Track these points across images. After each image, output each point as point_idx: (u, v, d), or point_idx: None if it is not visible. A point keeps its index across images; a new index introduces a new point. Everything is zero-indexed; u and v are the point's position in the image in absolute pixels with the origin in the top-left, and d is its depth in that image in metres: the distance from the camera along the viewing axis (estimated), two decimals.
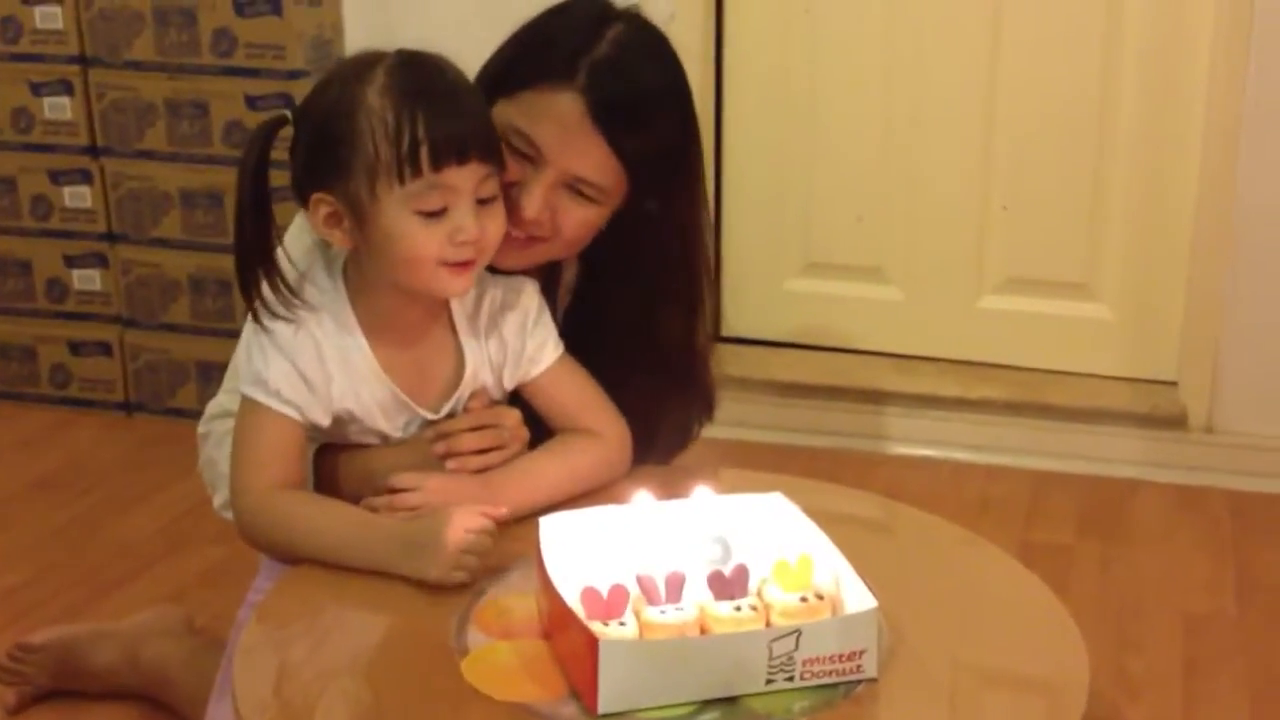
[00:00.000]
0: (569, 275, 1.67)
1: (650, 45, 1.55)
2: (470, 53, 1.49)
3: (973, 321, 2.86)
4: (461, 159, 1.36)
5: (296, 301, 1.42)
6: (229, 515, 1.52)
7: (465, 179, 1.37)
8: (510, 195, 1.48)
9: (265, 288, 1.41)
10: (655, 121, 1.52)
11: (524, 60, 1.51)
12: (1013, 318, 2.84)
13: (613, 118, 1.48)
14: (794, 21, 2.80)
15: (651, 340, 1.63)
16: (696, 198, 1.62)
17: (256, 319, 1.41)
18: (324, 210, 1.40)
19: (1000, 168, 2.77)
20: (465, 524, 1.31)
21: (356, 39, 2.79)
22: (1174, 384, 2.75)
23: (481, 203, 1.39)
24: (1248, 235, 2.60)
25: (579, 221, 1.53)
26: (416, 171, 1.35)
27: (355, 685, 1.24)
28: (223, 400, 1.62)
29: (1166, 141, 2.68)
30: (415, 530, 1.34)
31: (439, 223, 1.37)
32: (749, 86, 2.85)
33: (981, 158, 2.77)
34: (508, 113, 1.49)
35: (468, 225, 1.37)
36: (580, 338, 1.57)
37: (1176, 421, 2.70)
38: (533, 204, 1.49)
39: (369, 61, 1.39)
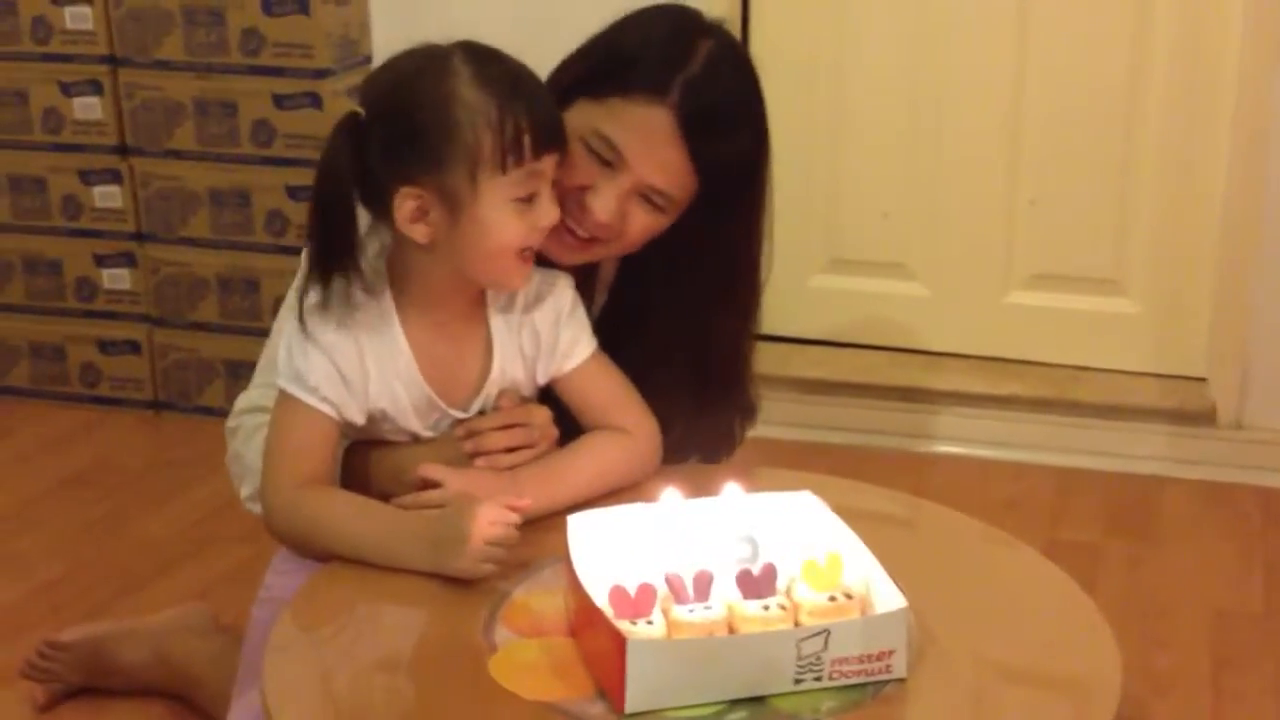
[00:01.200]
0: (607, 272, 1.68)
1: (737, 63, 1.57)
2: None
3: (1000, 317, 2.85)
4: (556, 146, 1.41)
5: (370, 300, 1.44)
6: (255, 508, 1.53)
7: (552, 166, 1.42)
8: (579, 197, 1.51)
9: (346, 275, 1.41)
10: (737, 139, 1.54)
11: (614, 67, 1.53)
12: (1040, 313, 2.83)
13: (700, 136, 1.50)
14: (820, 16, 2.79)
15: (697, 345, 1.64)
16: (760, 210, 1.63)
17: (303, 313, 1.42)
18: (411, 205, 1.40)
19: (1027, 162, 2.76)
20: (489, 517, 1.31)
21: (384, 38, 2.80)
22: (1203, 380, 2.73)
23: None
24: (1277, 229, 2.59)
25: (643, 228, 1.55)
26: (519, 159, 1.38)
27: (383, 684, 1.25)
28: (253, 395, 1.63)
29: (1195, 135, 2.66)
30: (440, 525, 1.34)
31: (528, 210, 1.41)
32: (775, 81, 2.78)
33: (1008, 153, 2.76)
34: (592, 115, 1.51)
35: (552, 211, 1.42)
36: (616, 336, 1.58)
37: (1205, 418, 2.68)
38: (606, 208, 1.51)
39: (440, 55, 1.41)
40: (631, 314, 1.64)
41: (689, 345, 1.63)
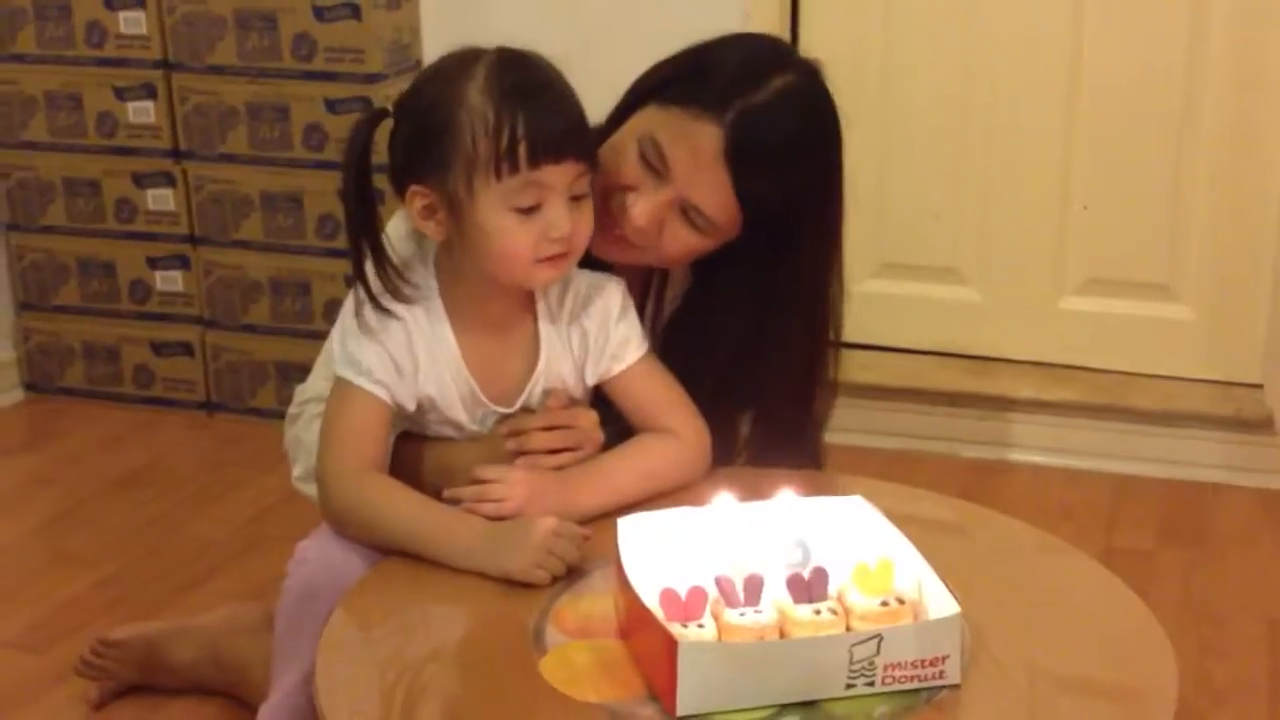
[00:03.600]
0: (675, 290, 1.68)
1: (811, 103, 1.54)
2: (546, 56, 1.49)
3: (1053, 323, 2.82)
4: (558, 157, 1.38)
5: (402, 286, 1.45)
6: (306, 489, 1.56)
7: (560, 177, 1.39)
8: (622, 197, 1.51)
9: (372, 273, 1.44)
10: (787, 177, 1.51)
11: (687, 79, 1.52)
12: (1093, 319, 2.80)
13: (745, 163, 1.48)
14: (870, 17, 2.78)
15: (755, 376, 1.62)
16: (826, 256, 1.60)
17: (358, 307, 1.45)
18: (420, 202, 1.43)
19: (1080, 166, 2.73)
20: (555, 527, 1.33)
21: (435, 42, 2.81)
22: (1259, 386, 2.70)
23: (574, 199, 1.41)
24: None
25: (681, 244, 1.55)
26: (514, 168, 1.37)
27: (433, 683, 1.25)
28: (314, 385, 1.65)
29: (1250, 139, 2.63)
30: (504, 529, 1.36)
31: (533, 219, 1.39)
32: None
33: (1061, 156, 2.74)
34: (653, 120, 1.51)
35: (561, 222, 1.40)
36: (683, 348, 1.59)
37: (1261, 425, 2.65)
38: (643, 215, 1.51)
39: (470, 58, 1.42)
40: (699, 331, 1.63)
41: (745, 375, 1.62)
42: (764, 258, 1.56)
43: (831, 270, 1.62)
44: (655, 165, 1.50)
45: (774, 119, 1.49)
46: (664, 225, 1.53)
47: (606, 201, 1.54)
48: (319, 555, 1.45)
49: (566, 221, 1.40)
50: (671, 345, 1.63)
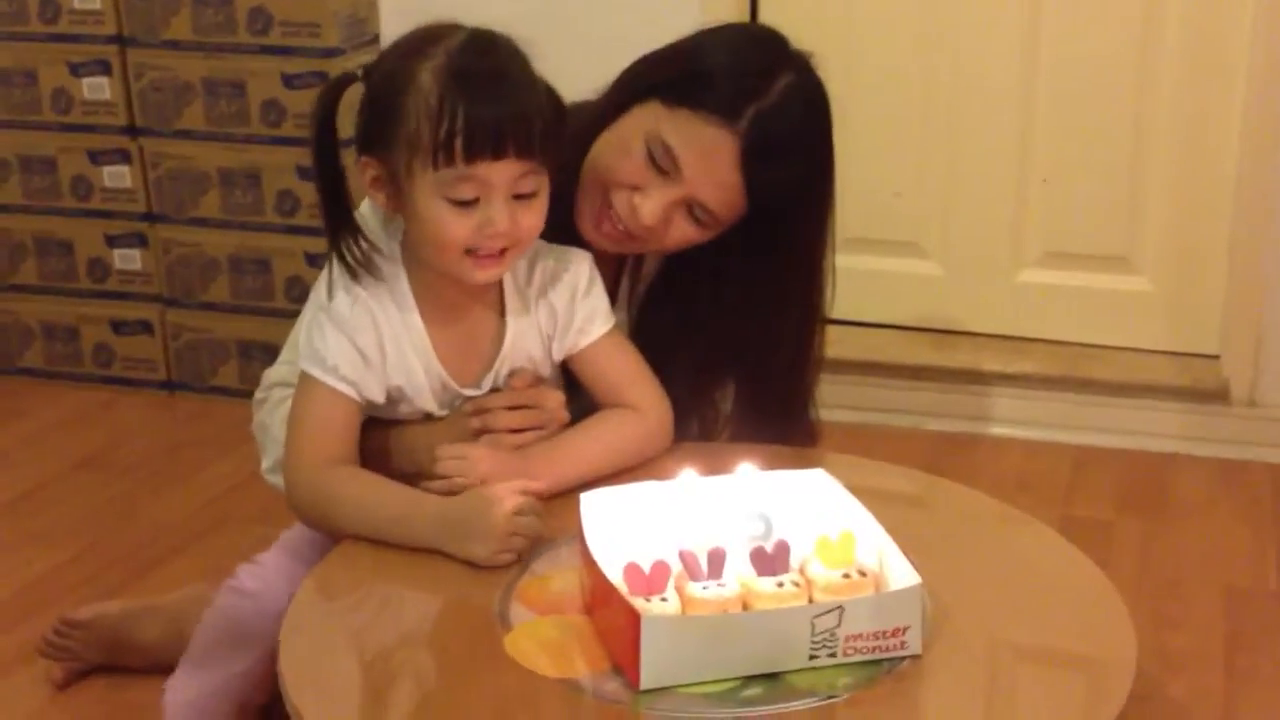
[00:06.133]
0: (650, 267, 1.69)
1: (812, 100, 1.57)
2: (520, 41, 1.47)
3: (1012, 296, 2.84)
4: (496, 154, 1.35)
5: (374, 256, 1.45)
6: (274, 480, 1.55)
7: (499, 174, 1.36)
8: (628, 194, 1.52)
9: (345, 241, 1.44)
10: (794, 170, 1.55)
11: (694, 80, 1.53)
12: (1053, 292, 2.82)
13: (758, 164, 1.51)
14: None
15: (742, 352, 1.64)
16: (818, 239, 1.63)
17: (330, 291, 1.44)
18: (370, 173, 1.43)
19: (1040, 141, 2.75)
20: (511, 505, 1.32)
21: (391, 17, 2.79)
22: (1216, 357, 2.72)
23: (519, 197, 1.38)
24: None
25: (682, 236, 1.56)
26: (449, 160, 1.35)
27: (399, 662, 1.25)
28: (281, 370, 1.65)
29: (1207, 112, 2.65)
30: (462, 511, 1.35)
31: (470, 212, 1.37)
32: None
33: (1020, 131, 2.75)
34: (660, 119, 1.52)
35: (498, 219, 1.37)
36: (662, 324, 1.61)
37: (1218, 395, 2.68)
38: (653, 213, 1.53)
39: (437, 36, 1.39)
40: (673, 315, 1.64)
41: (732, 357, 1.64)
42: (758, 236, 1.57)
43: (827, 244, 1.64)
44: (664, 166, 1.52)
45: (784, 121, 1.52)
46: (669, 221, 1.55)
47: (605, 196, 1.55)
48: (257, 590, 1.52)
49: (504, 220, 1.37)
50: (650, 320, 1.63)
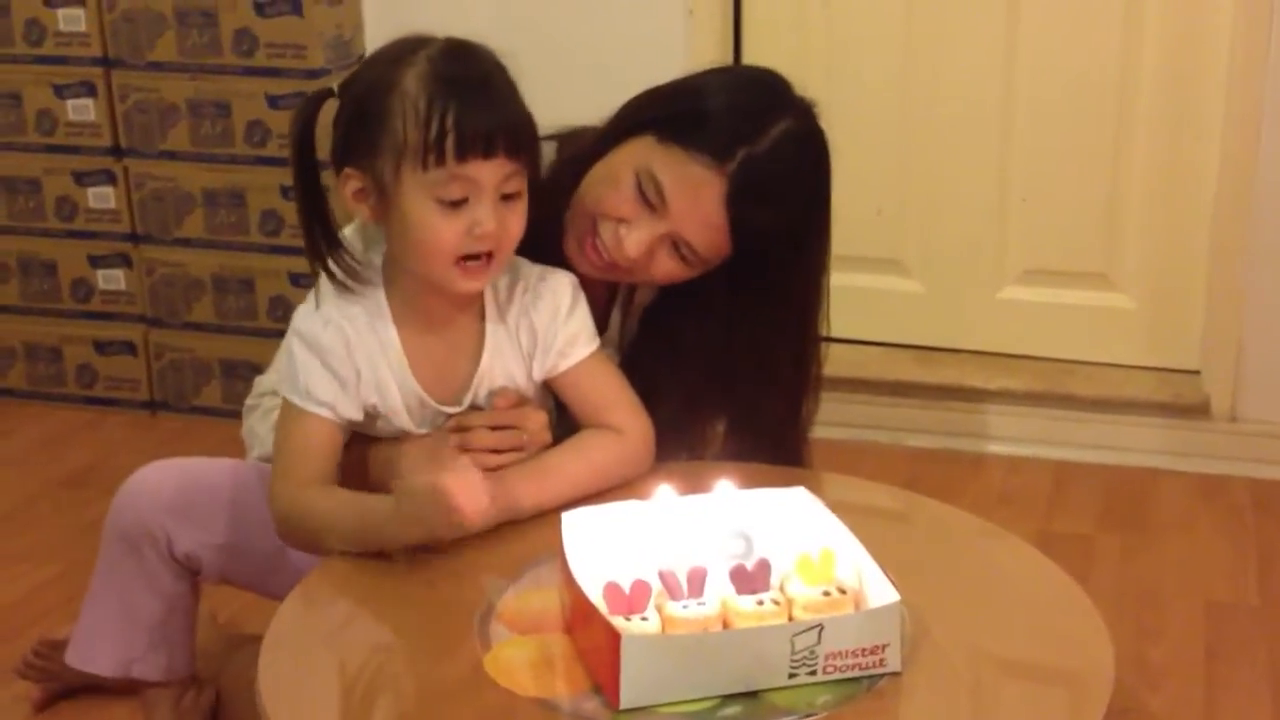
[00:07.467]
0: (642, 298, 1.69)
1: (807, 148, 1.57)
2: (495, 51, 1.49)
3: (993, 313, 2.86)
4: (487, 153, 1.37)
5: (355, 265, 1.45)
6: None
7: (488, 173, 1.38)
8: (613, 224, 1.54)
9: (326, 256, 1.45)
10: (781, 215, 1.55)
11: (689, 118, 1.53)
12: (1033, 308, 2.83)
13: (745, 208, 1.51)
14: (811, 14, 2.79)
15: (733, 384, 1.64)
16: (810, 285, 1.63)
17: (307, 310, 1.45)
18: (353, 185, 1.43)
19: (1019, 159, 2.77)
20: (456, 478, 1.29)
21: (377, 38, 2.80)
22: (1196, 373, 2.74)
23: (505, 198, 1.40)
24: (1269, 222, 2.60)
25: (667, 272, 1.57)
26: (440, 159, 1.36)
27: (377, 679, 1.25)
28: (273, 378, 1.68)
29: (1186, 130, 2.67)
30: (408, 497, 1.32)
31: (458, 214, 1.38)
32: None
33: (1000, 149, 2.77)
34: (652, 155, 1.53)
35: (486, 219, 1.38)
36: (654, 354, 1.62)
37: (1199, 410, 2.69)
38: (637, 248, 1.54)
39: (416, 45, 1.41)
40: (665, 351, 1.64)
41: (722, 398, 1.65)
42: (745, 276, 1.58)
43: (822, 289, 1.65)
44: (652, 201, 1.53)
45: (773, 166, 1.52)
46: (653, 255, 1.55)
47: (593, 225, 1.56)
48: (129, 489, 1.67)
49: (492, 220, 1.38)
50: (641, 351, 1.64)
